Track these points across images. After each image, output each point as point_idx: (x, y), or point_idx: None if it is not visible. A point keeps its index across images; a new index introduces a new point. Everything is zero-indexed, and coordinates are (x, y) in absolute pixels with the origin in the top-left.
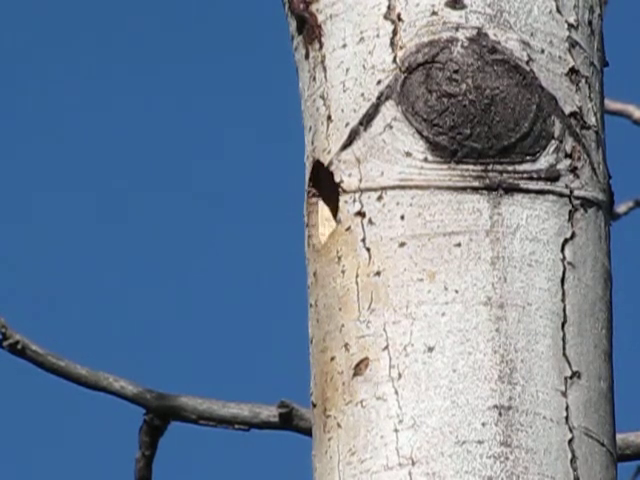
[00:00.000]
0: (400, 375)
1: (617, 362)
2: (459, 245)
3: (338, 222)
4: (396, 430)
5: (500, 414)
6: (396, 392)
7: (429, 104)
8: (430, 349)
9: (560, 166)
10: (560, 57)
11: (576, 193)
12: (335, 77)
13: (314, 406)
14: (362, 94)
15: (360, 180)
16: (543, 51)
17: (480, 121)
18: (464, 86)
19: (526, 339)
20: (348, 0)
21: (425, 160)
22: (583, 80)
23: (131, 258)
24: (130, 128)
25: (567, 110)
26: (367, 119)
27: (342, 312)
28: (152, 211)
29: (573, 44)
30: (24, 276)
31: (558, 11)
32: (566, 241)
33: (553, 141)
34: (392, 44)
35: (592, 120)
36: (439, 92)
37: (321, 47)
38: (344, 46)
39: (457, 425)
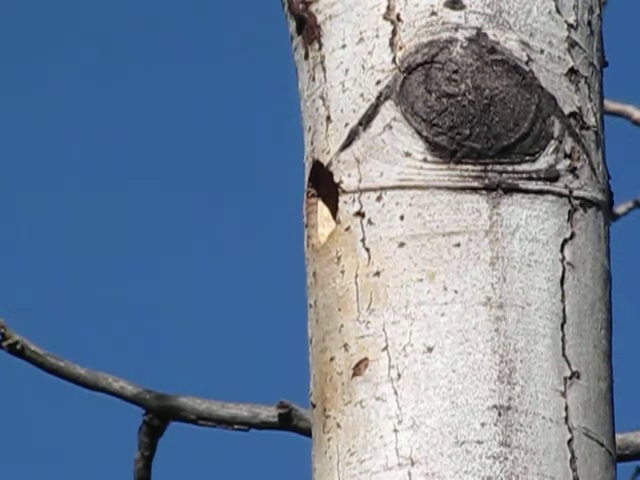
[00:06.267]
0: (399, 375)
1: (617, 362)
2: (458, 245)
3: (337, 222)
4: (395, 430)
5: (499, 414)
6: (395, 392)
7: (428, 104)
8: (429, 349)
9: (559, 166)
10: (559, 57)
11: (575, 193)
12: (334, 77)
13: (313, 406)
14: (361, 94)
15: (359, 180)
16: (542, 51)
17: (479, 121)
18: (463, 86)
19: (525, 339)
20: (347, 0)
21: (424, 160)
22: (582, 80)
23: (130, 258)
24: (129, 127)
25: (566, 110)
26: (366, 119)
27: (341, 312)
28: (152, 211)
29: (572, 44)
30: (23, 276)
31: (557, 11)
32: (565, 241)
33: (552, 141)
34: (391, 44)
35: (592, 120)
36: (438, 92)
37: (320, 47)
38: (343, 46)
39: (456, 425)
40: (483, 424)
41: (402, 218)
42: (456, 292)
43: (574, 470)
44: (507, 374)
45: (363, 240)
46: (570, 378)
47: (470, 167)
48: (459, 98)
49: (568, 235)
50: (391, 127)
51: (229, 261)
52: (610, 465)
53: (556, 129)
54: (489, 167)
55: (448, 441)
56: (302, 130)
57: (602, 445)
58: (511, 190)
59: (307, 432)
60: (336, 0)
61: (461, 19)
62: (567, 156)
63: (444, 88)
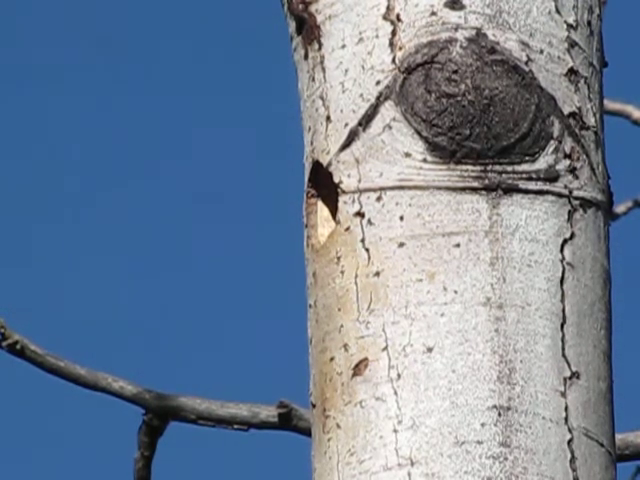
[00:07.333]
0: (399, 376)
1: (617, 362)
2: (458, 245)
3: (337, 222)
4: (395, 431)
5: (499, 414)
6: (395, 392)
7: (428, 104)
8: (429, 349)
9: (559, 166)
10: (559, 57)
11: (575, 193)
12: (334, 78)
13: (313, 406)
14: (361, 95)
15: (359, 180)
16: (542, 51)
17: (479, 121)
18: (463, 86)
19: (525, 339)
20: (347, 1)
21: (424, 160)
22: (582, 80)
23: (130, 258)
24: (129, 127)
25: (566, 110)
26: (366, 120)
27: (341, 312)
28: (152, 211)
29: (572, 44)
30: (23, 276)
31: (557, 11)
32: (565, 241)
33: (552, 141)
34: (391, 44)
35: (591, 120)
36: (438, 92)
37: (320, 47)
38: (343, 46)
39: (456, 425)
40: (483, 424)
41: (402, 218)
42: (456, 292)
43: (574, 470)
44: (507, 374)
45: (363, 240)
46: (570, 378)
47: (470, 167)
48: (459, 98)
49: (568, 235)
50: (391, 127)
51: (229, 261)
52: (610, 465)
53: (556, 129)
54: (489, 167)
55: (448, 441)
56: (302, 130)
57: (602, 445)
58: (511, 190)
59: (307, 432)
60: (336, 0)
61: (461, 19)
62: (567, 156)
63: (444, 88)
